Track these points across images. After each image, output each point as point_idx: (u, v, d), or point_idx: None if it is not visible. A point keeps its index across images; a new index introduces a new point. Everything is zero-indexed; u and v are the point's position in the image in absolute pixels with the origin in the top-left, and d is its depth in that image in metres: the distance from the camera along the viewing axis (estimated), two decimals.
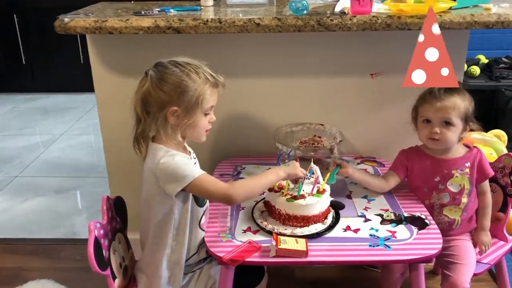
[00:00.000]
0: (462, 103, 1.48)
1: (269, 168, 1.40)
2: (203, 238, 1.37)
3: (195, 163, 1.41)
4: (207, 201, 1.43)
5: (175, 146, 1.34)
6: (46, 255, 2.16)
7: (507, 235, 1.67)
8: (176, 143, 1.34)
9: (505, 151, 2.10)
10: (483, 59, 3.13)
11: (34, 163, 3.16)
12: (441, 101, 1.48)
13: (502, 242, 1.66)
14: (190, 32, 1.59)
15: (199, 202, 1.37)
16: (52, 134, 3.65)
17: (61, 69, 4.40)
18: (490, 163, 1.59)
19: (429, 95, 1.51)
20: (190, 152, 1.43)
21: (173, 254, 1.35)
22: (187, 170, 1.27)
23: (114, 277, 1.33)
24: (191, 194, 1.33)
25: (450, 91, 1.48)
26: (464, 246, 1.52)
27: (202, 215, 1.40)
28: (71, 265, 2.07)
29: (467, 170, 1.52)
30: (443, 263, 1.52)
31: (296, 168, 1.38)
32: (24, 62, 4.40)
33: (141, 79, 1.32)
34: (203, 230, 1.39)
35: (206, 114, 1.35)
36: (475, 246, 1.56)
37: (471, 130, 1.55)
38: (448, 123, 1.48)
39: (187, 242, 1.36)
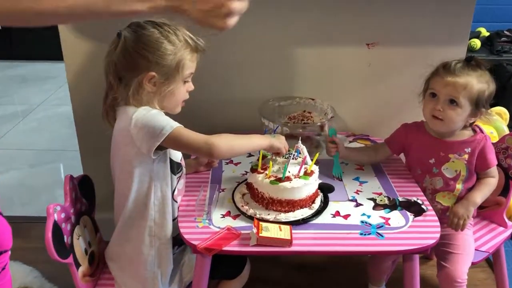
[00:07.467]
0: (476, 85, 1.31)
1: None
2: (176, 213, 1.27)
3: None
4: (182, 168, 1.29)
5: None
6: (15, 234, 1.95)
7: (507, 220, 1.57)
8: None
9: (506, 129, 1.99)
10: (484, 32, 3.00)
11: (10, 134, 3.00)
12: (454, 76, 1.32)
13: (501, 228, 1.56)
14: None
15: (173, 169, 1.24)
16: (29, 104, 3.47)
17: (42, 36, 4.17)
18: (492, 143, 1.46)
19: (442, 68, 1.36)
20: None
21: (156, 227, 1.22)
22: (164, 121, 1.14)
23: (78, 265, 1.21)
24: (169, 159, 1.21)
25: (468, 68, 1.33)
26: (462, 235, 1.40)
27: (176, 185, 1.26)
28: (41, 245, 1.92)
29: (466, 156, 1.39)
30: (438, 252, 1.41)
31: (281, 142, 1.28)
32: (0, 28, 4.16)
33: (112, 41, 1.19)
34: (176, 202, 1.28)
35: (185, 82, 1.22)
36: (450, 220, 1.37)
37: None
38: (453, 102, 1.33)
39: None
